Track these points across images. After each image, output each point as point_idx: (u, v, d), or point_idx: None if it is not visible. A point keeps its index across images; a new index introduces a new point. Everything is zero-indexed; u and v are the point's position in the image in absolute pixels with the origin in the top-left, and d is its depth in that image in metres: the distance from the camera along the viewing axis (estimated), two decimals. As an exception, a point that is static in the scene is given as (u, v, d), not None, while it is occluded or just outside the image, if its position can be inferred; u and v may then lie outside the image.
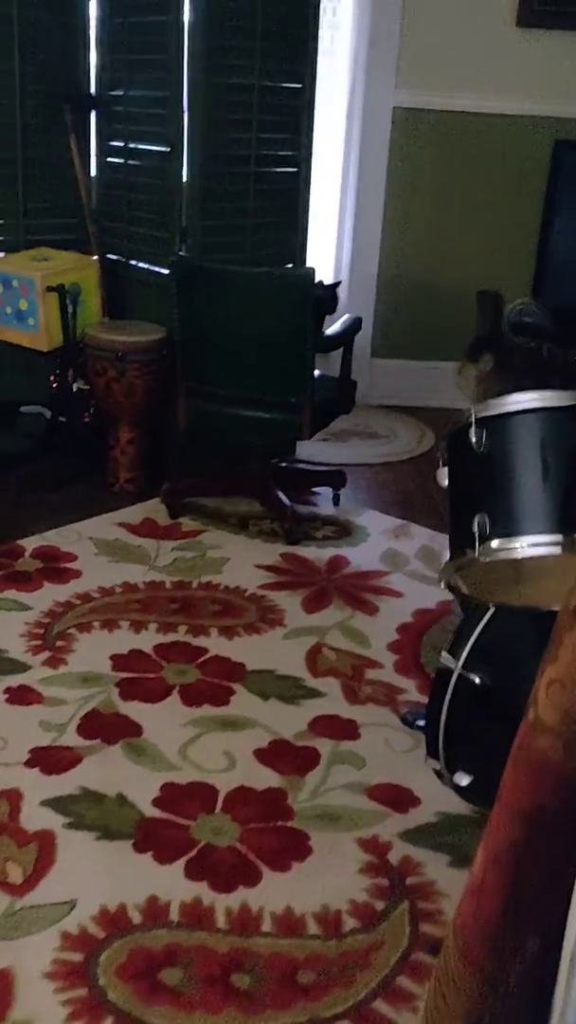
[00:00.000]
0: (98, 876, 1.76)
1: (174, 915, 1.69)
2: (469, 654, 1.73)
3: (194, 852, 1.83)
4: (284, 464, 3.63)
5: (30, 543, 3.00)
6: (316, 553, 3.07)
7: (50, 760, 2.05)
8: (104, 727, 2.17)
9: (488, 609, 1.74)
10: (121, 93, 3.42)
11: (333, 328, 3.15)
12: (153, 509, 3.28)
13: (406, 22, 4.10)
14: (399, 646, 2.57)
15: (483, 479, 1.49)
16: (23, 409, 3.72)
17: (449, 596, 2.18)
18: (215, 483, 3.37)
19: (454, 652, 1.76)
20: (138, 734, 2.16)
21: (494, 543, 1.43)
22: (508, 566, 1.49)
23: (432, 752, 1.84)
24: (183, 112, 3.20)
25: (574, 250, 4.31)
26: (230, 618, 2.65)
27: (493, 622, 1.74)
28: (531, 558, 1.42)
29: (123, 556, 2.96)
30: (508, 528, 1.42)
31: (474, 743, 1.80)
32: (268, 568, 2.95)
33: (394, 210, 4.33)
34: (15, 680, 2.32)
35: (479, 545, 1.44)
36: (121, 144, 3.47)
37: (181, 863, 1.80)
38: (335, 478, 3.46)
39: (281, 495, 3.19)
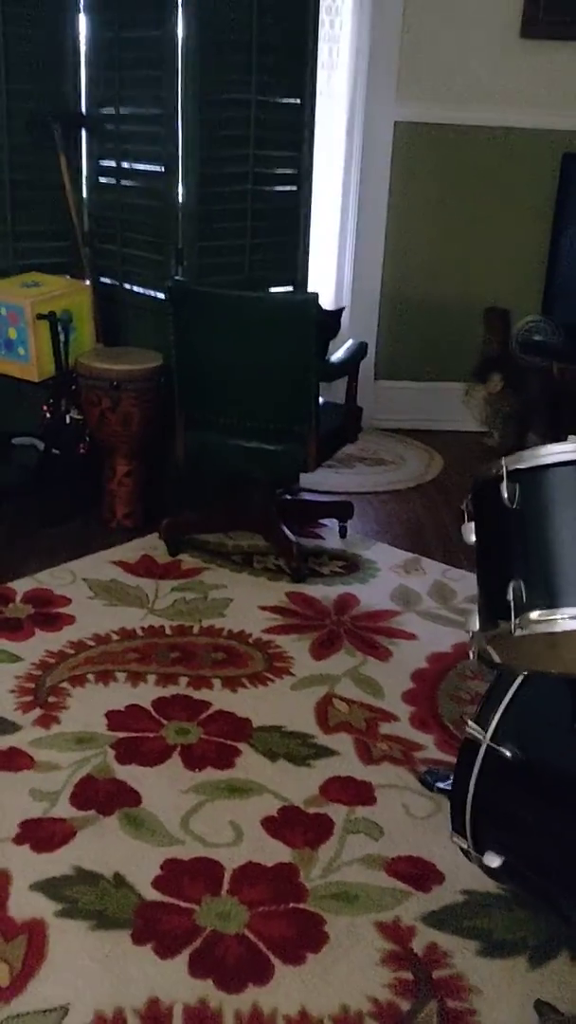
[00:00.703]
0: (93, 974, 1.59)
1: (177, 1021, 1.52)
2: (499, 724, 1.57)
3: (199, 942, 1.67)
4: (288, 496, 3.47)
5: (22, 586, 2.84)
6: (323, 591, 2.91)
7: (41, 835, 1.89)
8: (99, 795, 2.01)
9: (518, 674, 1.57)
10: (113, 111, 3.28)
11: (337, 355, 3.00)
12: (151, 546, 3.13)
13: (407, 35, 3.96)
14: (414, 696, 2.41)
15: (516, 539, 1.33)
16: (15, 441, 3.56)
17: (466, 637, 2.03)
18: (216, 517, 3.22)
19: (482, 722, 1.60)
20: (136, 803, 1.99)
21: (533, 615, 1.27)
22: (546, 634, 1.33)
23: (458, 828, 1.67)
24: (177, 130, 3.06)
25: (584, 266, 4.16)
26: (234, 667, 2.49)
27: (524, 688, 1.58)
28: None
29: (120, 598, 2.80)
30: (548, 598, 1.26)
31: (505, 820, 1.64)
32: (273, 609, 2.79)
33: (397, 227, 4.19)
34: (4, 742, 2.15)
35: (515, 617, 1.28)
36: (113, 164, 3.33)
37: (184, 956, 1.64)
38: (342, 509, 3.30)
39: (285, 530, 3.04)
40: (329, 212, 4.21)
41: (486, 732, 1.58)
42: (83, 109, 3.37)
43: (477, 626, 1.40)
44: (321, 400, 2.92)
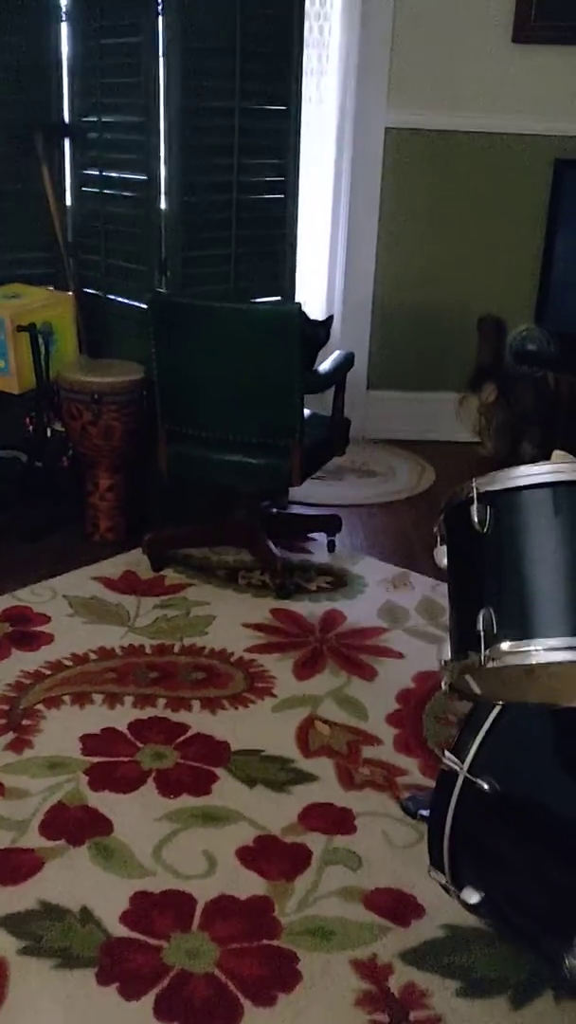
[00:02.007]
0: (54, 1017, 1.53)
1: (140, 1067, 1.46)
2: (476, 755, 1.50)
3: (166, 982, 1.60)
4: (276, 509, 3.41)
5: (0, 603, 2.78)
6: (309, 608, 2.84)
7: (8, 867, 1.82)
8: (70, 824, 1.94)
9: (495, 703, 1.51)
10: (95, 120, 3.22)
11: (324, 365, 2.94)
12: (135, 561, 3.06)
13: (397, 40, 3.91)
14: (399, 718, 2.35)
15: (488, 565, 1.27)
16: (-2, 453, 3.51)
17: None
18: (200, 532, 3.15)
19: (459, 752, 1.53)
20: (108, 831, 1.93)
21: (504, 645, 1.20)
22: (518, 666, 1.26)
23: (436, 863, 1.61)
24: (160, 138, 3.01)
25: (578, 274, 4.10)
26: (214, 688, 2.42)
27: (503, 716, 1.51)
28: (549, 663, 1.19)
29: (100, 616, 2.74)
30: (520, 628, 1.20)
31: (484, 854, 1.57)
32: (257, 627, 2.72)
33: (388, 235, 4.13)
34: (-27, 768, 2.09)
35: (485, 648, 1.22)
36: (96, 173, 3.27)
37: (151, 997, 1.57)
38: (330, 523, 3.24)
39: (270, 544, 2.97)
40: (320, 219, 4.15)
41: (463, 763, 1.52)
42: (66, 118, 3.31)
43: (448, 655, 1.34)
44: (308, 412, 2.86)
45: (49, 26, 3.22)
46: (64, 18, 3.23)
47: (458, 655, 1.30)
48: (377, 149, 4.02)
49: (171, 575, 3.00)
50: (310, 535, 3.30)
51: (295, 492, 3.55)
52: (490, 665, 1.22)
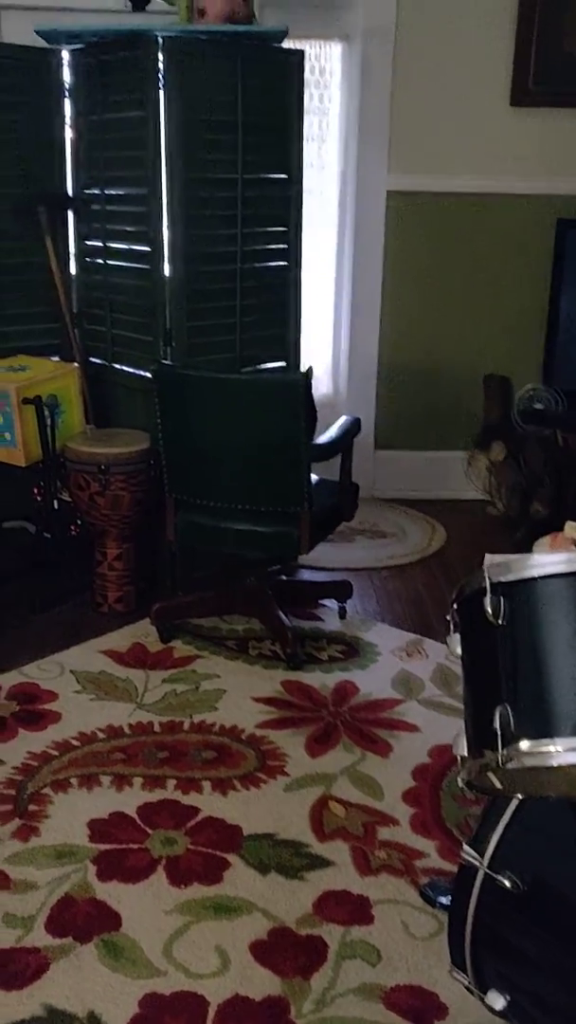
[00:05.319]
0: None
1: None
2: (496, 849, 1.44)
3: None
4: (285, 576, 3.37)
5: (7, 680, 2.74)
6: (321, 679, 2.79)
7: (12, 969, 1.76)
8: (77, 919, 1.88)
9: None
10: (98, 192, 3.25)
11: (329, 433, 2.91)
12: (143, 632, 3.02)
13: (396, 105, 3.95)
14: (416, 796, 2.28)
15: (503, 658, 1.22)
16: (6, 524, 3.49)
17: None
18: (209, 601, 3.11)
19: (478, 846, 1.47)
20: (116, 927, 1.86)
21: (522, 745, 1.15)
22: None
23: (458, 962, 1.54)
24: (163, 209, 3.02)
25: (584, 330, 4.09)
26: (225, 768, 2.36)
27: (522, 810, 1.45)
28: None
29: (108, 692, 2.69)
30: (538, 726, 1.15)
31: (508, 953, 1.50)
32: (268, 701, 2.67)
33: (393, 296, 4.14)
34: (-22, 860, 2.03)
35: (502, 747, 1.17)
36: (100, 244, 3.29)
37: None
38: (340, 589, 3.19)
39: (280, 614, 2.93)
40: (323, 282, 4.16)
41: (483, 858, 1.46)
42: (69, 191, 3.34)
43: (464, 751, 1.29)
44: (316, 477, 2.84)
45: (53, 101, 3.26)
46: (67, 94, 3.27)
47: (474, 752, 1.25)
48: (379, 212, 4.04)
49: (180, 646, 2.95)
50: (321, 601, 3.25)
51: (304, 556, 3.51)
52: (509, 765, 1.17)
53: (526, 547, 3.74)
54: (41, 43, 3.22)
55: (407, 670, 2.85)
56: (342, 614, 3.17)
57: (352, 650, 2.96)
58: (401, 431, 4.28)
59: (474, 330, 4.18)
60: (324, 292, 4.18)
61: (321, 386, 4.24)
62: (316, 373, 4.19)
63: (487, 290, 4.14)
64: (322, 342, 4.23)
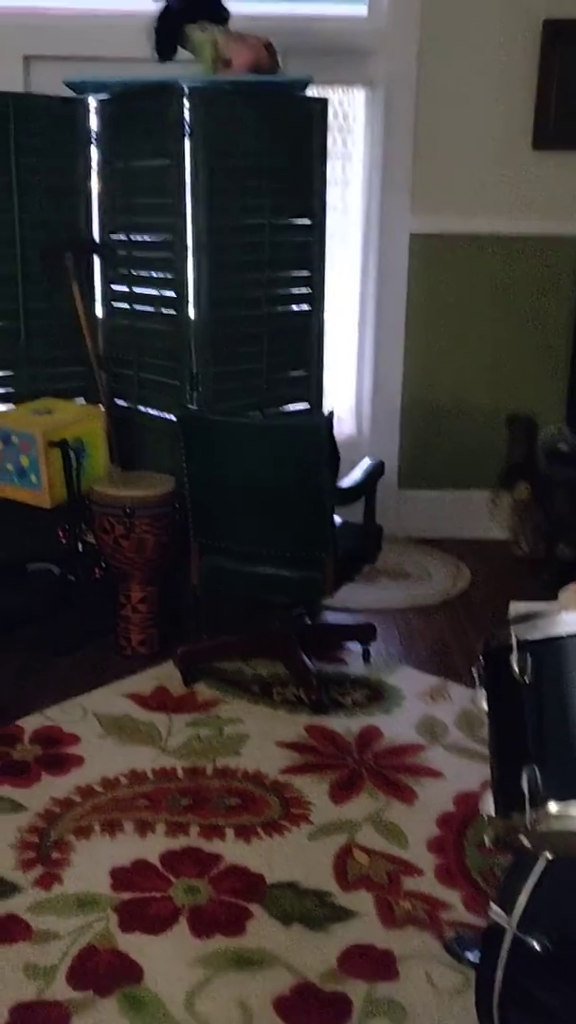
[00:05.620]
0: None
1: None
2: (525, 910, 1.42)
3: None
4: (308, 619, 3.36)
5: (30, 723, 2.74)
6: (345, 724, 2.77)
7: (33, 1023, 1.74)
8: (99, 970, 1.86)
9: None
10: (124, 237, 3.29)
11: (353, 476, 2.92)
12: (167, 675, 3.02)
13: (419, 148, 3.99)
14: (440, 844, 2.25)
15: (530, 717, 1.21)
16: (31, 566, 3.51)
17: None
18: (233, 644, 3.11)
19: (505, 904, 1.45)
20: (138, 979, 1.85)
21: (551, 808, 1.14)
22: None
23: (485, 1023, 1.51)
24: (188, 255, 3.06)
25: (608, 370, 4.09)
26: (248, 814, 2.35)
27: (551, 868, 1.43)
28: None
29: (131, 736, 2.68)
30: (567, 788, 1.14)
31: (535, 1009, 1.47)
32: (292, 746, 2.65)
33: (416, 337, 4.16)
34: (1, 908, 2.02)
35: (530, 809, 1.15)
36: (126, 289, 3.33)
37: None
38: (364, 632, 3.18)
39: (304, 658, 2.92)
40: (346, 324, 4.19)
41: (511, 917, 1.43)
42: (95, 236, 3.39)
43: (491, 810, 1.27)
44: (339, 520, 2.84)
45: (79, 149, 3.31)
46: (94, 141, 3.33)
47: (502, 813, 1.24)
48: (402, 254, 4.07)
49: (203, 690, 2.94)
50: (345, 644, 3.24)
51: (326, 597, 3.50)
52: (538, 828, 1.16)
53: (552, 589, 3.72)
54: (69, 92, 3.28)
55: (431, 714, 2.83)
56: (366, 657, 3.16)
57: (376, 694, 2.94)
58: (425, 470, 4.28)
59: (497, 370, 4.19)
60: (347, 332, 4.20)
61: (345, 426, 4.25)
62: (339, 413, 4.21)
63: (510, 330, 4.15)
64: (345, 382, 4.25)
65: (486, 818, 1.29)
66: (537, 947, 1.39)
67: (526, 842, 1.29)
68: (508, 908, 1.45)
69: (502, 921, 1.43)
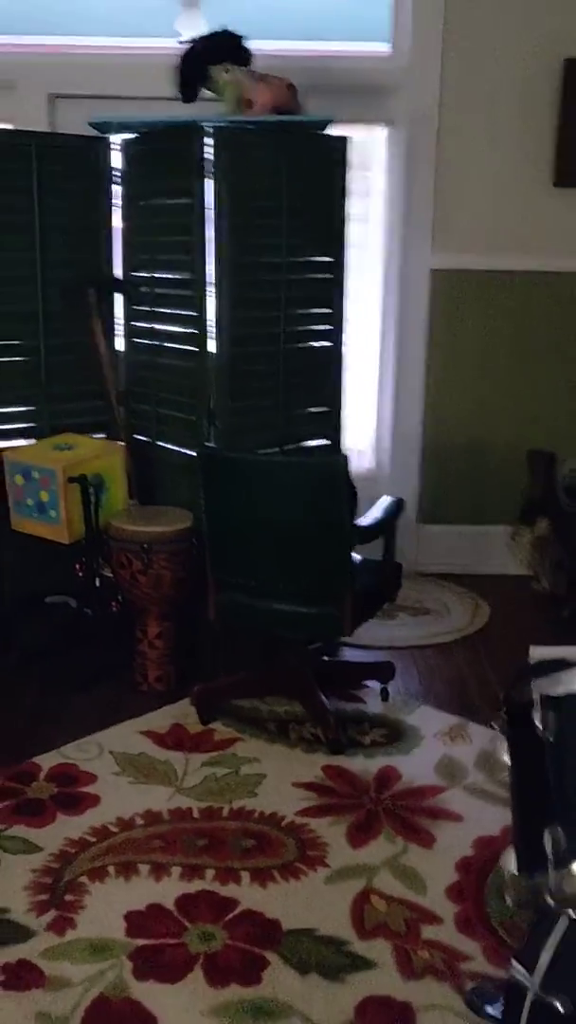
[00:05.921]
0: None
1: None
2: (548, 969, 1.39)
3: None
4: (326, 656, 3.34)
5: (47, 761, 2.72)
6: (363, 764, 2.74)
7: (46, 1072, 1.72)
8: (113, 1021, 1.83)
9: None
10: (146, 275, 3.31)
11: (373, 514, 2.90)
12: (183, 713, 3.00)
13: (440, 185, 4.01)
14: (459, 891, 2.22)
15: (554, 775, 1.19)
16: (48, 599, 3.51)
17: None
18: (250, 682, 3.09)
19: (527, 962, 1.42)
20: (152, 1030, 1.82)
21: (575, 868, 1.11)
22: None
23: None
24: (208, 293, 3.07)
25: (629, 407, 4.07)
26: (264, 857, 2.32)
27: (574, 927, 1.40)
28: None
29: (147, 775, 2.66)
30: (591, 849, 1.11)
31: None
32: (308, 786, 2.63)
33: (436, 373, 4.16)
34: (14, 953, 2.00)
35: (554, 869, 1.13)
36: (147, 326, 3.35)
37: None
38: (382, 671, 3.15)
39: (322, 697, 2.90)
40: (366, 359, 4.19)
41: (532, 976, 1.40)
42: (117, 274, 3.41)
43: (513, 868, 1.25)
44: (358, 557, 2.82)
45: (102, 187, 3.34)
46: (117, 179, 3.36)
47: (525, 872, 1.21)
48: (423, 291, 4.07)
49: (220, 728, 2.92)
50: (363, 682, 3.21)
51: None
52: (565, 890, 1.13)
53: (572, 625, 3.68)
54: (92, 131, 3.32)
55: (450, 755, 2.79)
56: (384, 695, 3.13)
57: (394, 734, 2.91)
58: (444, 505, 4.26)
59: (517, 405, 4.18)
60: (368, 368, 4.20)
61: (364, 460, 4.25)
62: (359, 448, 4.21)
63: (530, 365, 4.15)
64: (366, 417, 4.24)
65: (506, 875, 1.26)
66: (561, 1009, 1.36)
67: (550, 902, 1.26)
68: (530, 967, 1.42)
69: (525, 980, 1.40)
